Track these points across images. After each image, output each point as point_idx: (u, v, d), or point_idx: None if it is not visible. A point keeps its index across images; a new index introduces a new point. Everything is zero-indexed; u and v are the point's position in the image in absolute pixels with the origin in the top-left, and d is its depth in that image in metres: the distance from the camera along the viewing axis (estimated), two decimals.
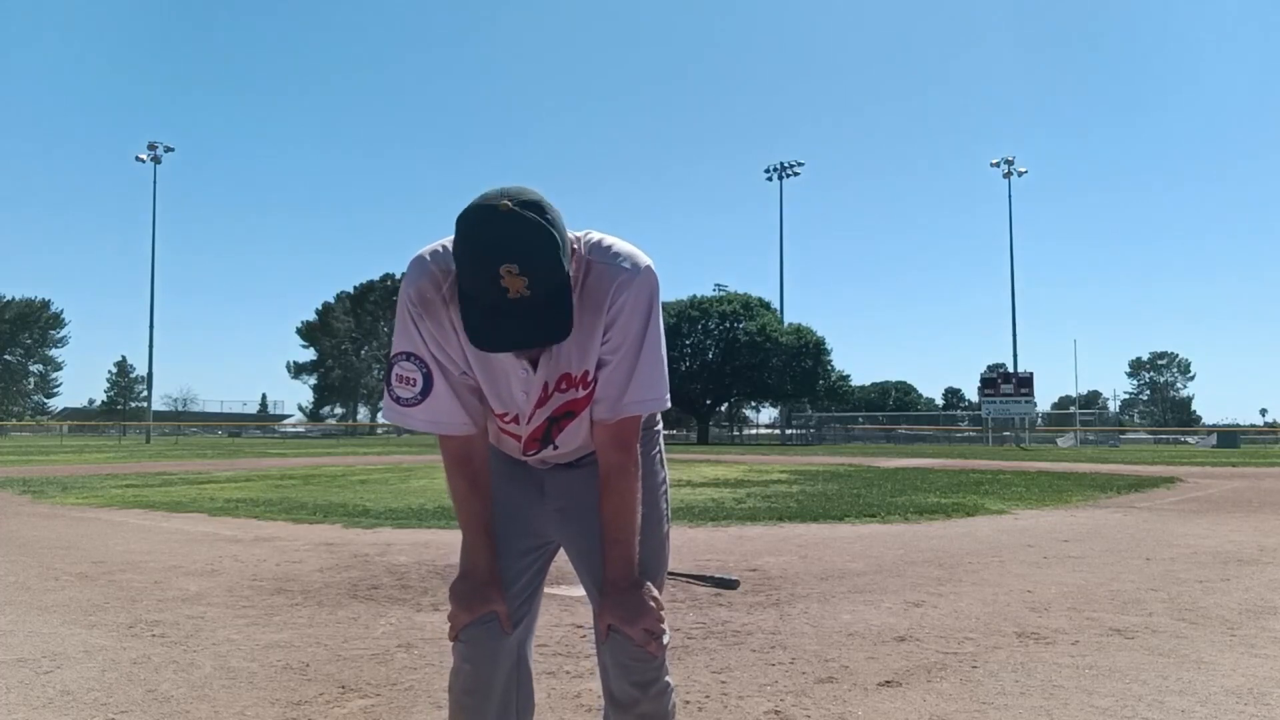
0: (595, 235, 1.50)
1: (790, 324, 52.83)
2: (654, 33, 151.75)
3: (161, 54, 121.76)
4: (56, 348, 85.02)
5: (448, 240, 1.43)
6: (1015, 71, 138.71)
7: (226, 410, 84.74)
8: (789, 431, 57.92)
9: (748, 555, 5.83)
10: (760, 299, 54.01)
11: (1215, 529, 7.45)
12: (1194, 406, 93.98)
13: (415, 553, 5.85)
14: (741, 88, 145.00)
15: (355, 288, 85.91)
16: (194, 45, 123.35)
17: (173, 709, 2.74)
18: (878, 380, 78.65)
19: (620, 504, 1.55)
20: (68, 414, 78.42)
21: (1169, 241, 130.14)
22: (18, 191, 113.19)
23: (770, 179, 58.11)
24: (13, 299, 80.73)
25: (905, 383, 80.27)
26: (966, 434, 54.44)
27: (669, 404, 1.57)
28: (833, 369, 54.11)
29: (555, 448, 1.59)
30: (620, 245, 1.49)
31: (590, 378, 1.51)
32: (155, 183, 49.59)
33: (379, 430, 79.15)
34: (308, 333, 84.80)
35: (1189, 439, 56.12)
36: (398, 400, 1.54)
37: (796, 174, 57.68)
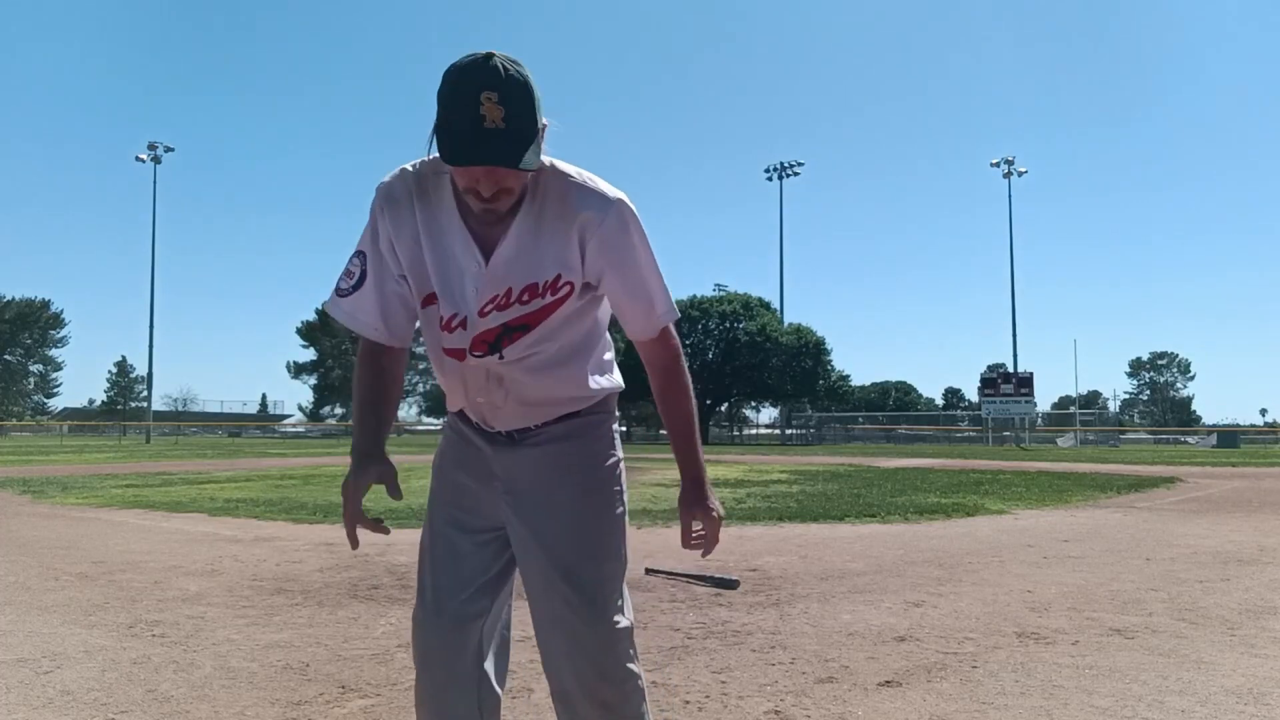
0: (564, 164, 1.54)
1: (790, 324, 52.83)
2: (654, 33, 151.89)
3: (161, 54, 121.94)
4: (56, 348, 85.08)
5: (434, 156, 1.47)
6: (1015, 71, 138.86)
7: (226, 410, 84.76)
8: (789, 431, 57.92)
9: (748, 555, 5.83)
10: (760, 299, 54.03)
11: (1215, 529, 7.45)
12: (1194, 406, 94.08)
13: (415, 553, 5.84)
14: (741, 88, 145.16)
15: None
16: (194, 45, 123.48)
17: (173, 709, 2.74)
18: (878, 380, 78.74)
19: (679, 404, 1.68)
20: (68, 414, 78.42)
21: (1169, 241, 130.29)
22: (18, 191, 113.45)
23: (770, 179, 58.18)
24: (13, 299, 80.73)
25: (905, 383, 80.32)
26: (966, 434, 54.43)
27: (675, 310, 1.66)
28: (833, 369, 54.13)
29: (501, 357, 1.57)
30: (592, 178, 1.54)
31: (561, 284, 1.53)
32: (155, 183, 49.78)
33: None
34: (308, 333, 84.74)
35: (1189, 439, 56.14)
36: (336, 289, 1.64)
37: (796, 174, 57.76)
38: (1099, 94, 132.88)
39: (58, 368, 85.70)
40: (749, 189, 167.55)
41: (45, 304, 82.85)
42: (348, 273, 1.62)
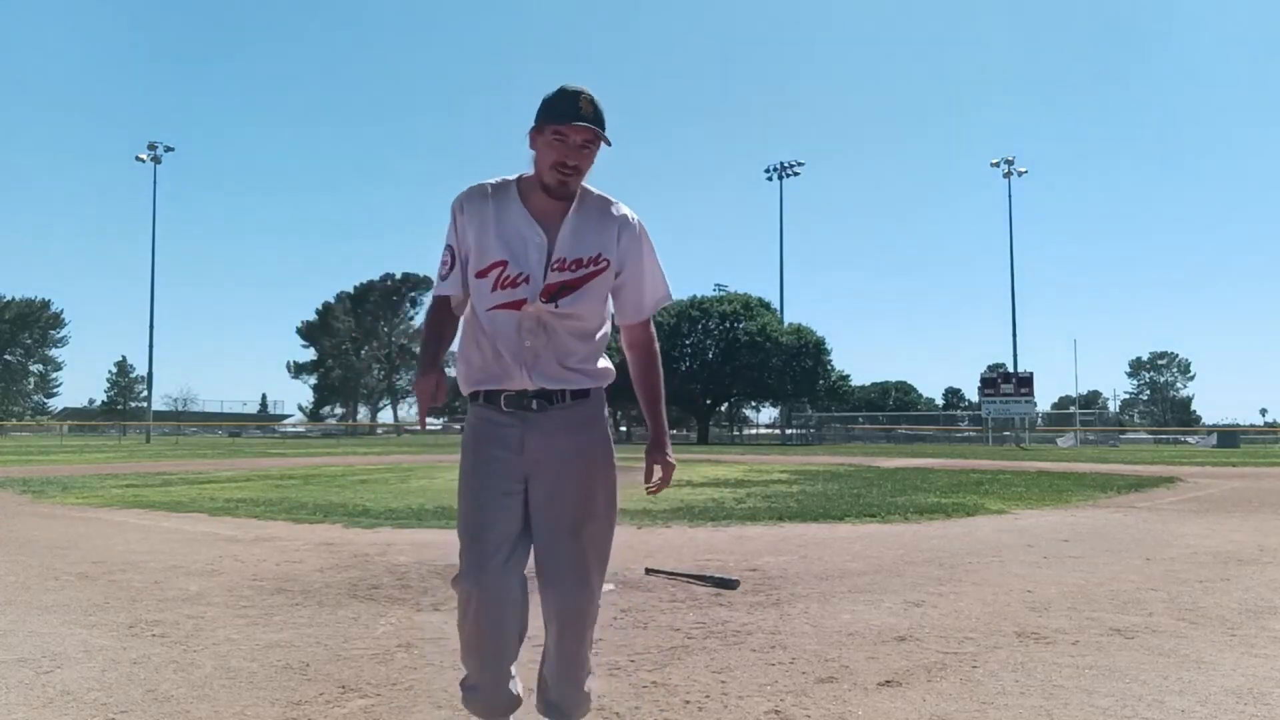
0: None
1: (790, 324, 52.80)
2: (654, 33, 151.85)
3: (161, 54, 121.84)
4: (56, 348, 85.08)
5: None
6: (1015, 71, 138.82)
7: (226, 410, 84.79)
8: (789, 431, 57.90)
9: (748, 555, 5.83)
10: (760, 299, 53.99)
11: (1215, 529, 7.45)
12: (1194, 406, 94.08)
13: (415, 553, 5.85)
14: (741, 87, 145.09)
15: (355, 288, 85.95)
16: (194, 45, 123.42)
17: (173, 709, 2.74)
18: (878, 380, 78.56)
19: (656, 378, 2.32)
20: (68, 414, 78.38)
21: (1169, 241, 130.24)
22: (18, 191, 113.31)
23: (770, 179, 58.15)
24: (13, 299, 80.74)
25: (905, 383, 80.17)
26: (966, 434, 54.43)
27: (671, 296, 2.34)
28: (833, 369, 54.08)
29: (556, 306, 2.12)
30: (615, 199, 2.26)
31: (601, 260, 2.15)
32: (155, 183, 49.85)
33: (379, 430, 79.20)
34: (308, 333, 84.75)
35: (1189, 439, 56.14)
36: (439, 275, 2.24)
37: (796, 174, 57.72)
38: (1099, 94, 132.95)
39: (58, 368, 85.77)
40: (749, 189, 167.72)
41: (45, 304, 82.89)
42: (443, 262, 2.22)
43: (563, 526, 2.13)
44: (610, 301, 2.24)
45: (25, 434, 61.80)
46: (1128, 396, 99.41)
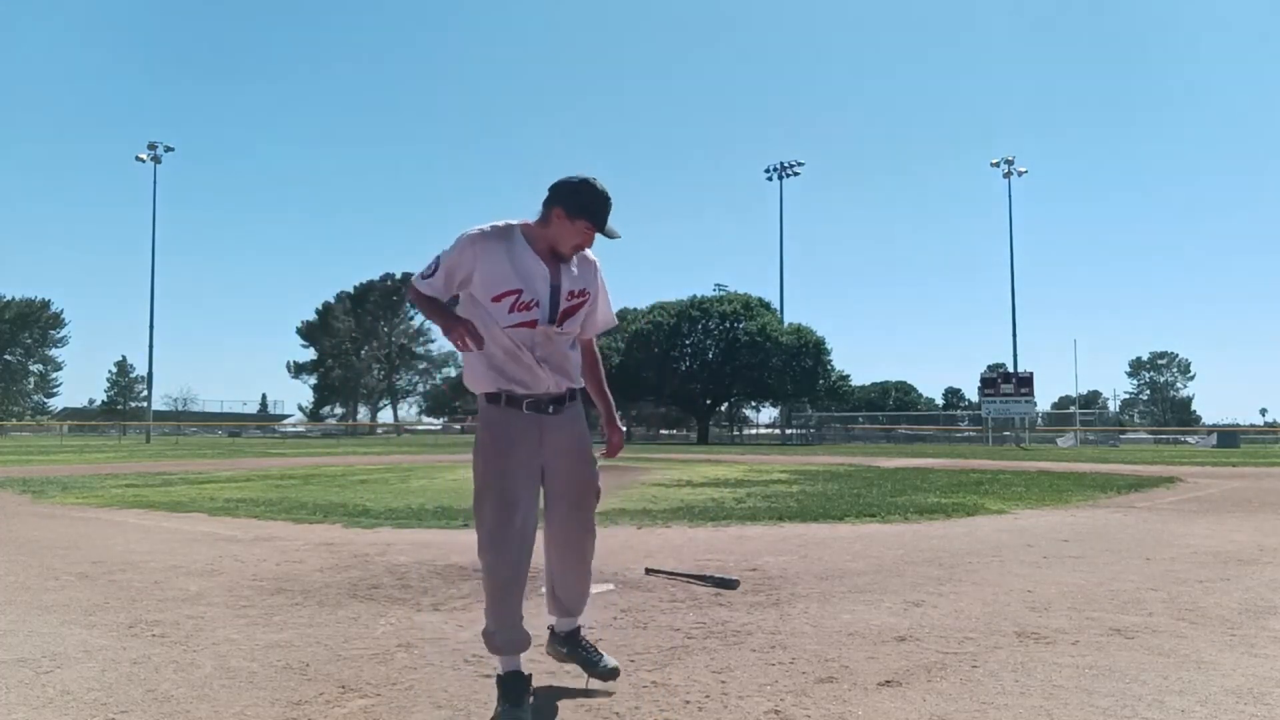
0: None
1: (790, 324, 52.76)
2: (654, 32, 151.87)
3: (161, 53, 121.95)
4: (56, 348, 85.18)
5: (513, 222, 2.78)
6: (1015, 71, 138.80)
7: (226, 410, 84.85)
8: (789, 431, 57.87)
9: (748, 555, 5.83)
10: (760, 299, 53.95)
11: (1215, 529, 7.45)
12: (1194, 406, 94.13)
13: (415, 553, 5.85)
14: (741, 88, 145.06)
15: (355, 288, 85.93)
16: (195, 45, 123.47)
17: (173, 709, 2.74)
18: (878, 380, 78.42)
19: (601, 370, 3.07)
20: (68, 414, 78.44)
21: (1169, 241, 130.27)
22: (18, 191, 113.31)
23: (770, 179, 58.08)
24: (13, 299, 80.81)
25: (905, 383, 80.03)
26: (966, 434, 54.40)
27: (615, 321, 3.08)
28: (833, 369, 54.04)
29: (561, 327, 2.76)
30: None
31: (586, 293, 2.83)
32: (155, 183, 49.80)
33: (379, 430, 79.21)
34: (308, 333, 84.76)
35: (1189, 439, 56.12)
36: (422, 274, 2.78)
37: (796, 174, 57.64)
38: (1099, 94, 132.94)
39: (58, 368, 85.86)
40: (749, 189, 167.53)
41: (45, 304, 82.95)
42: (430, 267, 2.75)
43: (573, 501, 2.83)
44: None
45: (25, 434, 61.83)
46: (1128, 396, 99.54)
